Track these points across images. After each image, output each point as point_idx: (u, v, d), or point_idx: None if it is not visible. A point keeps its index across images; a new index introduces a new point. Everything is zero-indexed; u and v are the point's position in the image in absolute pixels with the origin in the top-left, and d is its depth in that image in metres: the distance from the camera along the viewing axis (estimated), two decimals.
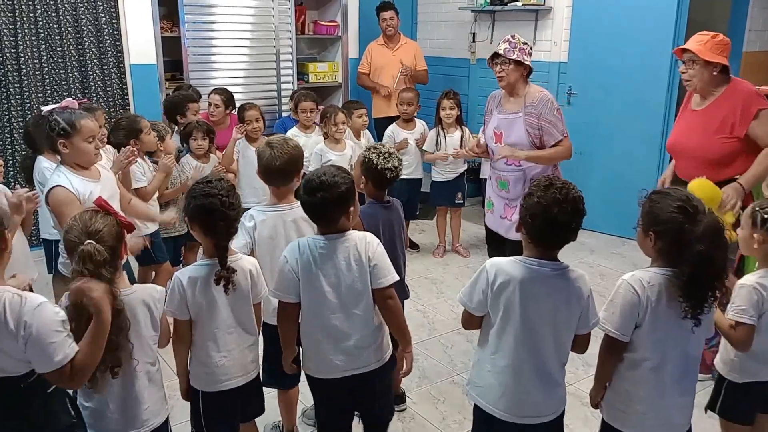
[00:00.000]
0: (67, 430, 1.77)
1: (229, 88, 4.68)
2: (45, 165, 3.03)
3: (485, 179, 4.36)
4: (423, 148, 4.65)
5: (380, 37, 5.56)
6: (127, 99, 4.91)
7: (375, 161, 2.50)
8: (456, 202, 4.77)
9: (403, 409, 2.91)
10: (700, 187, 2.32)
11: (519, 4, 5.51)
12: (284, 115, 5.41)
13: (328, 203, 1.98)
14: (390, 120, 5.01)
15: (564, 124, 3.36)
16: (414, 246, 4.90)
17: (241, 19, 5.34)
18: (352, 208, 2.04)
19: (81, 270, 1.65)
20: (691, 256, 1.75)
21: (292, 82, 5.68)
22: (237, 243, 2.23)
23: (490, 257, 3.94)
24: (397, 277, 2.08)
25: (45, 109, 2.62)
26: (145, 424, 1.88)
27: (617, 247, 4.94)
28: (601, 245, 4.91)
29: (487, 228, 3.69)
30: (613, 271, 4.47)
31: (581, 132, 5.26)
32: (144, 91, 4.93)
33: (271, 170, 2.35)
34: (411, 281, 4.50)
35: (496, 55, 3.33)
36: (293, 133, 4.42)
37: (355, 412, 2.29)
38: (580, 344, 1.94)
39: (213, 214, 1.95)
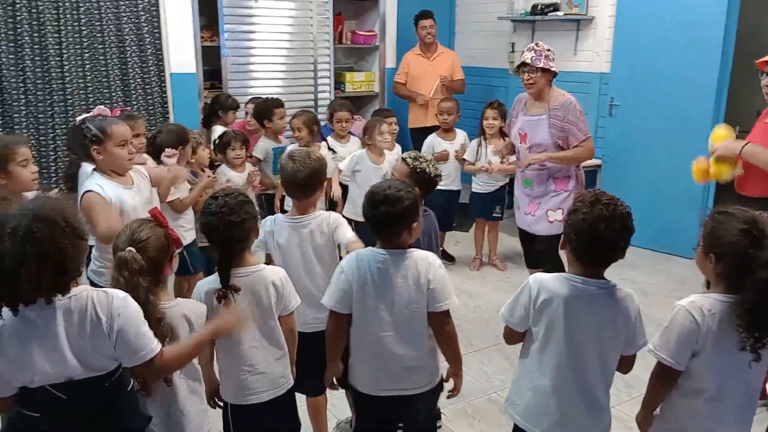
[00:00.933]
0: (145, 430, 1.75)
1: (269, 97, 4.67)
2: (87, 171, 3.05)
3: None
4: (464, 158, 4.58)
5: (417, 46, 5.52)
6: (167, 107, 4.96)
7: (427, 169, 2.50)
8: (494, 215, 4.68)
9: (439, 427, 2.83)
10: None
11: (560, 13, 5.42)
12: (322, 124, 5.40)
13: (391, 218, 1.92)
14: (427, 130, 4.95)
15: (587, 125, 3.51)
16: (449, 258, 4.83)
17: (279, 29, 5.37)
18: (415, 225, 1.97)
19: (117, 277, 1.64)
20: (755, 283, 1.64)
21: (329, 92, 5.68)
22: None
23: (525, 257, 3.99)
24: (456, 302, 2.00)
25: (78, 118, 2.66)
26: None
27: (661, 263, 4.78)
28: (643, 261, 4.75)
29: (519, 228, 3.74)
30: (657, 288, 4.32)
31: (623, 144, 5.15)
32: (183, 100, 4.98)
33: (294, 183, 2.33)
34: None
35: (523, 64, 3.45)
36: (330, 142, 4.41)
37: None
38: (625, 365, 1.85)
39: (211, 233, 1.94)
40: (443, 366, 2.13)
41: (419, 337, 2.00)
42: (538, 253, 3.62)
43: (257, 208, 3.81)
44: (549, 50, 3.47)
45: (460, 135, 4.69)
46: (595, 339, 1.77)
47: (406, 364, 1.99)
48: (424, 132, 4.97)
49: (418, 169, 2.46)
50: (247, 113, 4.67)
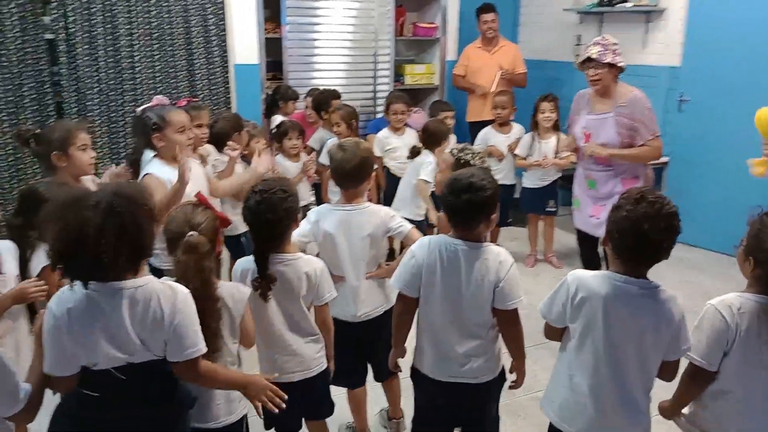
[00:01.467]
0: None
1: (326, 88, 4.73)
2: (148, 157, 3.19)
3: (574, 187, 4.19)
4: (515, 152, 4.50)
5: (478, 39, 5.45)
6: (230, 98, 5.10)
7: (471, 161, 2.50)
8: (547, 209, 4.58)
9: None
10: None
11: (629, 5, 5.23)
12: (379, 116, 5.43)
13: (472, 206, 1.91)
14: (485, 124, 4.89)
15: (656, 123, 3.32)
16: None
17: (341, 21, 5.41)
18: (493, 216, 1.96)
19: (184, 259, 1.70)
20: None
21: (389, 84, 5.69)
22: (294, 234, 2.23)
23: (583, 260, 3.87)
24: (525, 301, 2.00)
25: (139, 109, 2.78)
26: (214, 419, 1.90)
27: (728, 267, 4.53)
28: (709, 263, 4.54)
29: (577, 229, 3.61)
30: (721, 292, 4.09)
31: (693, 141, 4.93)
32: (246, 91, 5.10)
33: (343, 173, 2.36)
34: None
35: (588, 60, 3.30)
36: (384, 134, 4.43)
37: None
38: (668, 371, 1.79)
39: (249, 226, 2.01)
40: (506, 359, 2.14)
41: (481, 329, 2.00)
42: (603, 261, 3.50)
43: (311, 197, 3.89)
44: (616, 44, 3.31)
45: (517, 129, 4.60)
46: (634, 341, 1.72)
47: (467, 353, 2.00)
48: (482, 126, 4.92)
49: (462, 161, 2.45)
50: (307, 106, 4.75)
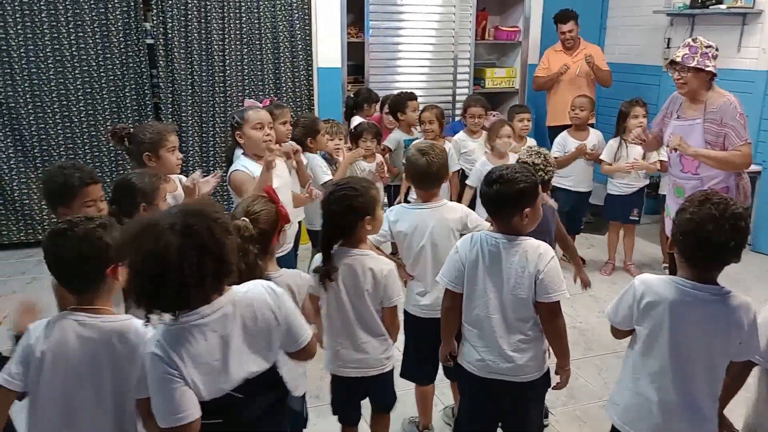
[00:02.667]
0: None
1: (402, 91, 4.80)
2: (237, 154, 3.38)
3: (666, 195, 4.07)
4: (601, 158, 4.41)
5: (558, 43, 5.38)
6: (313, 100, 5.28)
7: (536, 166, 2.49)
8: (631, 218, 4.45)
9: (546, 425, 2.80)
10: None
11: (723, 6, 5.00)
12: (457, 119, 5.45)
13: (502, 197, 1.96)
14: (565, 129, 4.82)
15: (746, 130, 3.14)
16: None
17: (422, 25, 5.48)
18: (528, 210, 1.97)
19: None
20: None
21: (468, 87, 5.70)
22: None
23: (670, 269, 3.74)
24: (567, 295, 1.99)
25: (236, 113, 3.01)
26: None
27: None
28: None
29: (667, 237, 3.50)
30: None
31: None
32: (328, 93, 5.27)
33: (428, 175, 2.43)
34: (572, 296, 4.27)
35: (674, 62, 3.17)
36: (460, 137, 4.46)
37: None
38: (736, 376, 1.75)
39: (322, 213, 2.09)
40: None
41: (524, 324, 2.01)
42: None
43: (383, 199, 3.94)
44: (709, 47, 3.13)
45: (594, 135, 4.50)
46: (702, 346, 1.69)
47: (511, 349, 2.00)
48: (562, 130, 4.84)
49: (518, 159, 2.46)
50: (387, 113, 4.81)
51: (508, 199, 1.96)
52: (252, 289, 1.56)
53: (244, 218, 1.86)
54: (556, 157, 4.39)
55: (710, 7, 5.09)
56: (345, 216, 2.07)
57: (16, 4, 4.39)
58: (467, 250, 2.04)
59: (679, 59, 3.12)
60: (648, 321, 1.75)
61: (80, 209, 2.09)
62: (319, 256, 2.17)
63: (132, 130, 2.78)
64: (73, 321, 1.59)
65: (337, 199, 2.07)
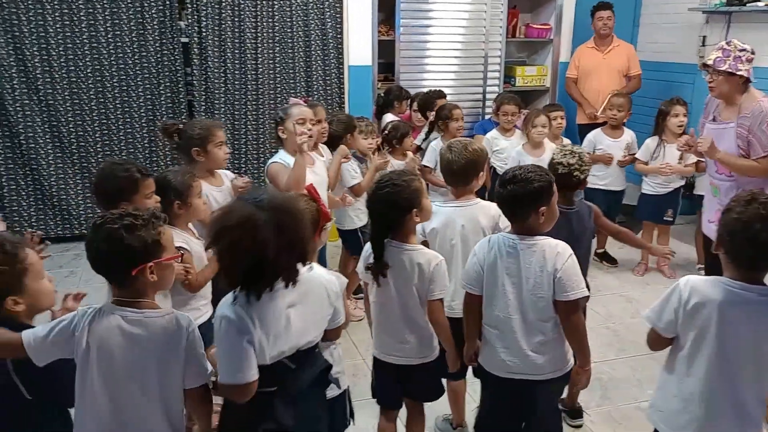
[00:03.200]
0: None
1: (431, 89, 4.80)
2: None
3: (701, 195, 4.02)
4: (636, 156, 4.37)
5: (591, 39, 5.33)
6: (343, 97, 5.31)
7: (570, 166, 2.48)
8: (665, 219, 4.39)
9: (580, 425, 2.78)
10: None
11: (761, 4, 4.90)
12: (487, 117, 5.43)
13: (516, 197, 1.98)
14: (596, 127, 4.77)
15: None
16: (612, 261, 4.63)
17: (453, 23, 5.47)
18: (543, 208, 1.99)
19: None
20: None
21: (498, 85, 5.68)
22: None
23: (706, 266, 3.69)
24: (586, 293, 2.00)
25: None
26: None
27: None
28: None
29: (703, 235, 3.45)
30: None
31: None
32: (358, 91, 5.29)
33: (450, 172, 2.46)
34: (604, 297, 4.28)
35: (706, 65, 3.14)
36: (492, 135, 4.45)
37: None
38: None
39: (368, 209, 2.14)
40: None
41: (545, 324, 2.02)
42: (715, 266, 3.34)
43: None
44: (743, 50, 3.06)
45: (627, 134, 4.45)
46: (751, 349, 1.67)
47: (530, 350, 2.02)
48: (593, 128, 4.80)
49: (552, 159, 2.45)
50: (415, 110, 4.82)
51: (522, 199, 1.98)
52: (317, 270, 1.77)
53: None
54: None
55: (747, 4, 5.00)
56: (391, 213, 2.09)
57: (55, 3, 4.49)
58: (485, 252, 2.07)
59: (710, 62, 3.08)
60: (695, 323, 1.72)
61: (141, 202, 2.15)
62: (368, 249, 2.19)
63: (182, 126, 2.83)
64: (118, 315, 1.61)
65: (382, 198, 2.08)
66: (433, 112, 4.33)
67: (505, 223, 2.44)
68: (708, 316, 1.70)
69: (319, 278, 1.76)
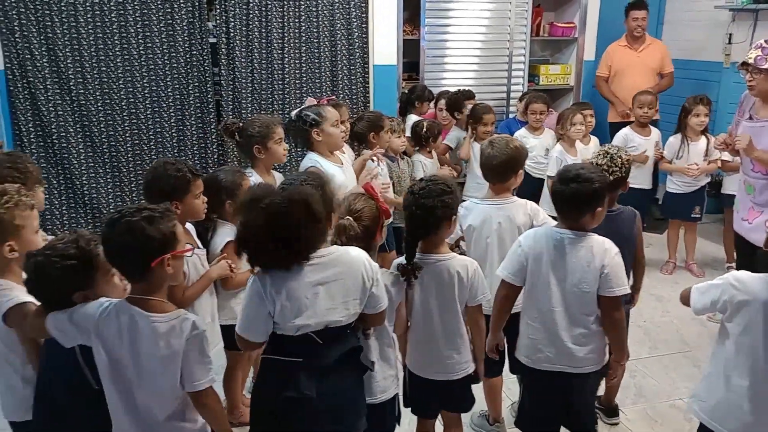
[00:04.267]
0: None
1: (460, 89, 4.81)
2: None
3: (728, 194, 4.02)
4: (662, 155, 4.36)
5: (623, 37, 5.31)
6: (368, 97, 5.33)
7: (615, 167, 2.48)
8: (692, 216, 4.38)
9: (616, 423, 2.79)
10: None
11: None
12: (511, 116, 5.43)
13: (578, 196, 2.00)
14: (626, 125, 4.75)
15: None
16: None
17: (477, 22, 5.47)
18: (599, 209, 2.02)
19: (336, 241, 1.87)
20: None
21: (523, 84, 5.68)
22: None
23: (738, 267, 3.68)
24: (628, 290, 2.04)
25: (293, 113, 3.03)
26: (373, 395, 2.02)
27: None
28: None
29: (735, 233, 3.43)
30: None
31: None
32: (383, 90, 5.31)
33: (489, 167, 2.47)
34: None
35: (746, 63, 3.11)
36: (521, 134, 4.45)
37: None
38: None
39: (406, 210, 2.07)
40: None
41: (587, 318, 2.05)
42: (757, 264, 3.31)
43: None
44: None
45: (655, 132, 4.44)
46: None
47: (571, 342, 2.05)
48: (623, 126, 4.77)
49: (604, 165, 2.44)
50: (441, 109, 4.83)
51: (584, 198, 2.01)
52: (353, 253, 1.81)
53: (348, 217, 1.90)
54: None
55: None
56: (435, 210, 2.01)
57: (87, 5, 4.55)
58: (530, 244, 2.10)
59: (751, 61, 3.07)
60: (740, 318, 1.75)
61: (191, 201, 2.21)
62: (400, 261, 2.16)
63: (242, 124, 2.87)
64: (127, 315, 1.66)
65: (432, 193, 2.01)
66: (462, 113, 4.37)
67: (540, 220, 2.47)
68: (754, 312, 1.73)
69: (357, 262, 1.79)
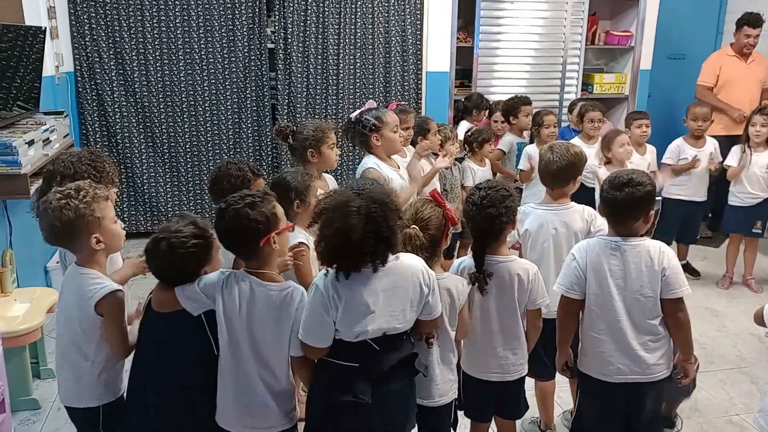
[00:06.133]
0: None
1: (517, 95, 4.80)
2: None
3: None
4: (726, 163, 4.27)
5: (729, 47, 5.17)
6: (420, 103, 5.38)
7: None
8: (753, 231, 4.25)
9: None
10: None
11: None
12: (564, 125, 5.39)
13: (633, 200, 2.00)
14: (732, 140, 4.56)
15: None
16: (694, 272, 4.52)
17: (532, 30, 5.46)
18: (651, 212, 2.04)
19: (402, 249, 1.88)
20: None
21: (576, 92, 5.63)
22: None
23: None
24: (690, 291, 2.02)
25: (353, 115, 3.06)
26: (432, 398, 2.04)
27: None
28: None
29: None
30: None
31: None
32: (435, 97, 5.36)
33: (548, 172, 2.48)
34: (689, 309, 4.13)
35: None
36: (577, 142, 4.40)
37: None
38: None
39: (470, 221, 2.09)
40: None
41: (653, 323, 2.03)
42: None
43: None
44: None
45: (710, 143, 4.34)
46: None
47: (642, 350, 2.03)
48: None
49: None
50: (495, 121, 4.79)
51: (638, 202, 2.01)
52: (410, 260, 1.82)
53: (414, 226, 1.92)
54: (669, 165, 4.31)
55: None
56: (500, 217, 2.04)
57: (153, 10, 4.74)
58: (584, 256, 2.08)
59: None
60: None
61: None
62: (461, 263, 2.18)
63: (295, 128, 2.92)
64: (246, 283, 1.81)
65: (495, 200, 2.04)
66: (517, 117, 4.38)
67: (597, 226, 2.45)
68: None
69: (415, 270, 1.80)
